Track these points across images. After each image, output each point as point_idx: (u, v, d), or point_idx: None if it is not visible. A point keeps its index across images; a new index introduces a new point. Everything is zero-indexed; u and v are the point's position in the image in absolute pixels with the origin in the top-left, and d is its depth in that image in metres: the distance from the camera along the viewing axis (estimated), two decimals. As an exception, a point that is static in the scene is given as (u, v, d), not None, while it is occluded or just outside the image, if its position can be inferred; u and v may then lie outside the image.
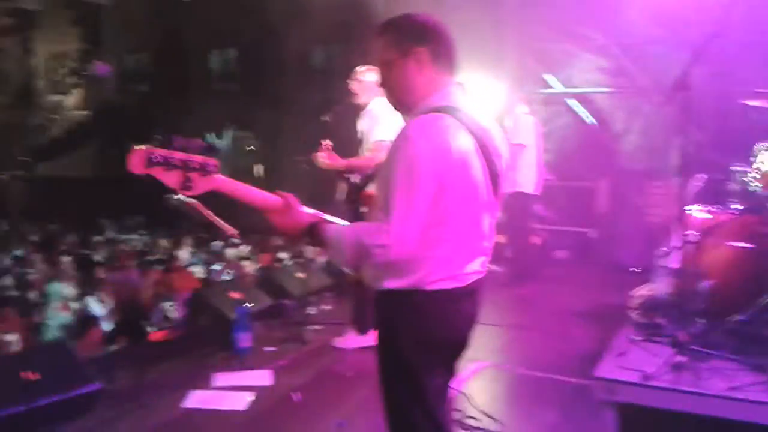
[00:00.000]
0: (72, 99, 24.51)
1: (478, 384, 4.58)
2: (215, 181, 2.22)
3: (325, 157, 5.00)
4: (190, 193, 2.17)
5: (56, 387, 3.92)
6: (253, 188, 2.33)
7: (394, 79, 2.33)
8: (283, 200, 2.33)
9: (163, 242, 10.81)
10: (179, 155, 2.13)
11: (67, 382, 4.04)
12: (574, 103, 9.28)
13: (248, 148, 20.88)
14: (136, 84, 24.44)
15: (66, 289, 7.59)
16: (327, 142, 5.05)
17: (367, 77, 5.05)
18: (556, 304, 6.58)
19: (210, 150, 2.55)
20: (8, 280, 8.36)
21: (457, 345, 2.40)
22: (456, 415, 3.90)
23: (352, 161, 5.03)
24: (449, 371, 2.44)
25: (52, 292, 7.42)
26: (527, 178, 7.17)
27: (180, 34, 21.31)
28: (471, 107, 2.31)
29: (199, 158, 2.16)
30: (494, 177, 2.30)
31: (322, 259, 7.21)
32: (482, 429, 3.87)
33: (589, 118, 9.28)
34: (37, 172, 20.82)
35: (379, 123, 4.90)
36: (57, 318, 7.23)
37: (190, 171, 2.15)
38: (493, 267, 7.84)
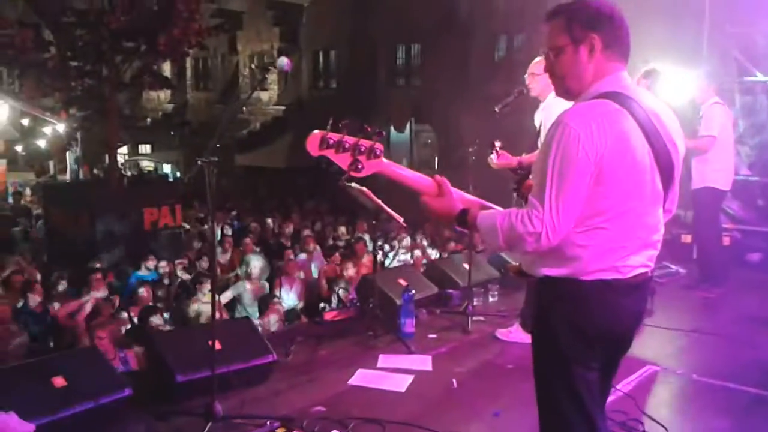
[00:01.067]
0: (268, 95, 26.39)
1: (646, 387, 4.38)
2: (381, 164, 2.35)
3: (494, 159, 4.98)
4: (358, 174, 2.34)
5: (237, 356, 4.31)
6: (412, 171, 2.43)
7: (564, 65, 2.28)
8: (435, 183, 2.39)
9: (341, 229, 11.38)
10: (350, 139, 2.31)
11: (247, 353, 4.43)
12: (777, 92, 8.43)
13: (427, 141, 21.29)
14: (328, 80, 25.83)
15: (257, 266, 8.25)
16: (497, 142, 5.01)
17: (540, 70, 4.93)
18: (742, 309, 6.06)
19: (379, 135, 2.70)
20: (204, 262, 9.23)
21: (617, 340, 2.32)
22: (620, 417, 3.76)
23: (524, 159, 4.95)
24: (608, 367, 2.37)
25: (253, 268, 8.09)
26: (718, 173, 6.62)
27: (369, 31, 22.17)
28: (643, 94, 2.24)
29: (368, 142, 2.32)
30: (665, 167, 2.21)
31: (488, 253, 7.21)
32: (646, 434, 3.71)
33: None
34: (235, 162, 22.73)
35: (555, 115, 4.76)
36: (246, 294, 7.91)
37: (360, 154, 2.32)
38: (677, 268, 7.39)
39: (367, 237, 9.97)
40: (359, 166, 2.31)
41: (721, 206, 7.09)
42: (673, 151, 2.23)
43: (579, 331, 2.21)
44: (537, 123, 5.08)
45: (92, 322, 6.45)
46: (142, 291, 7.60)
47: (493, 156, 4.98)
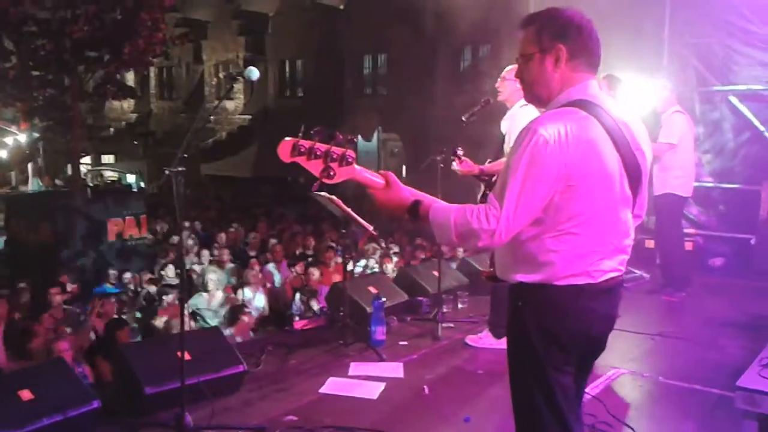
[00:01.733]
0: (234, 104, 26.25)
1: (614, 390, 4.45)
2: (353, 170, 2.34)
3: (457, 165, 5.02)
4: (330, 181, 2.33)
5: (207, 367, 4.26)
6: (372, 171, 2.42)
7: (531, 72, 2.34)
8: (382, 176, 2.39)
9: (309, 238, 11.35)
10: (322, 146, 2.31)
11: (217, 364, 4.39)
12: (736, 102, 8.65)
13: (394, 150, 21.35)
14: (294, 89, 25.79)
15: (223, 277, 8.18)
16: (459, 150, 5.05)
17: (511, 76, 4.99)
18: (706, 313, 6.20)
19: (351, 143, 2.69)
20: (170, 270, 9.13)
21: (590, 344, 2.36)
22: (589, 420, 3.82)
23: (486, 167, 5.00)
24: (582, 371, 2.40)
25: (209, 281, 8.03)
26: (679, 180, 6.77)
27: (335, 41, 22.23)
28: (610, 102, 2.28)
29: (339, 149, 2.32)
30: (633, 173, 2.26)
31: (458, 259, 7.26)
32: (615, 436, 3.77)
33: (752, 118, 8.62)
34: (200, 172, 22.53)
35: (517, 128, 4.78)
36: (213, 304, 7.83)
37: (332, 161, 2.31)
38: (640, 273, 7.53)
39: (333, 245, 9.98)
40: (331, 173, 2.31)
41: (682, 212, 7.25)
42: (640, 158, 2.28)
43: (553, 336, 2.24)
44: (503, 130, 5.14)
45: (53, 336, 6.33)
46: (103, 305, 7.47)
47: (455, 163, 5.03)
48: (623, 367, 4.75)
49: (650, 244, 7.96)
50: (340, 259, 8.94)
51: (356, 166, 2.36)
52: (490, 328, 5.30)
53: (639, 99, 6.62)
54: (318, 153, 2.29)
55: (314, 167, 2.31)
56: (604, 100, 2.28)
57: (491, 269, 2.61)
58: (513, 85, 4.90)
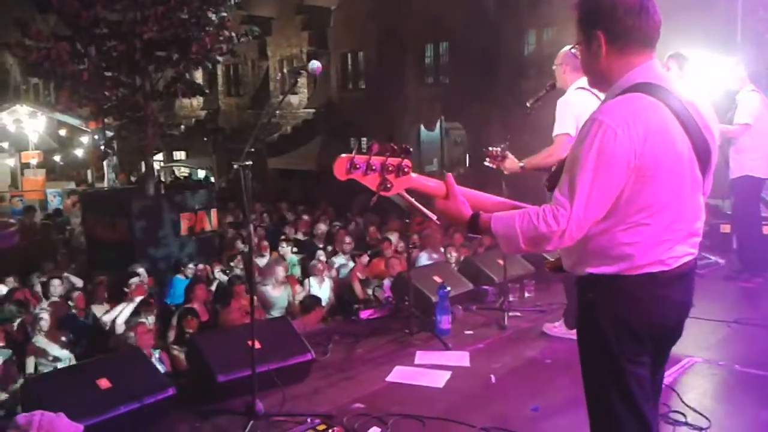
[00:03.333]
0: (298, 98, 26.58)
1: (688, 379, 4.34)
2: (410, 180, 2.33)
3: (491, 164, 4.83)
4: (387, 194, 2.32)
5: (276, 356, 4.36)
6: (433, 179, 2.39)
7: (583, 61, 2.30)
8: (443, 184, 2.34)
9: (371, 229, 11.41)
10: (377, 159, 2.29)
11: (286, 352, 4.49)
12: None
13: (457, 140, 21.23)
14: (357, 81, 25.93)
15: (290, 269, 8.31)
16: (493, 149, 4.81)
17: (567, 58, 4.86)
18: (785, 299, 5.96)
19: (407, 153, 2.69)
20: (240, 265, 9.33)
21: (666, 333, 2.29)
22: (662, 410, 3.73)
23: (528, 162, 4.76)
24: (658, 362, 2.33)
25: (277, 272, 8.17)
26: (756, 162, 6.49)
27: (396, 31, 22.20)
28: (675, 82, 2.20)
29: (396, 160, 2.30)
30: (703, 155, 2.19)
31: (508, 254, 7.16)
32: (689, 425, 3.67)
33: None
34: (267, 166, 22.92)
35: (562, 114, 4.62)
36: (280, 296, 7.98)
37: (388, 173, 2.30)
38: (716, 258, 7.27)
39: (394, 236, 10.00)
40: (388, 185, 2.29)
41: (760, 195, 6.96)
42: (710, 139, 2.20)
43: (628, 327, 2.18)
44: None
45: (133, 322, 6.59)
46: (197, 290, 7.72)
47: (487, 161, 4.81)
48: (698, 355, 4.61)
49: (726, 228, 7.70)
50: (399, 249, 9.01)
51: (413, 174, 2.34)
52: (564, 318, 5.20)
53: (711, 78, 6.38)
54: (374, 167, 2.29)
55: (371, 182, 2.30)
56: (669, 81, 2.20)
57: (554, 260, 2.56)
58: (562, 69, 4.81)
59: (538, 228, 2.08)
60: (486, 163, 4.84)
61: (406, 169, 2.31)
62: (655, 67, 2.22)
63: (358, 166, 2.28)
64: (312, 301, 7.64)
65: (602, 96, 4.78)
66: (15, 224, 15.66)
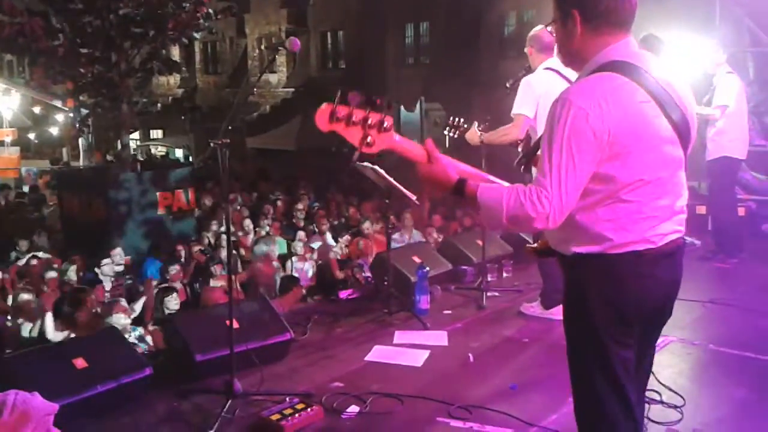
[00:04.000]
0: (277, 77, 26.35)
1: (663, 358, 4.37)
2: (392, 138, 2.26)
3: (453, 134, 4.97)
4: (370, 150, 2.24)
5: (255, 335, 4.35)
6: (412, 142, 2.33)
7: (558, 38, 2.29)
8: (424, 149, 2.28)
9: (351, 209, 11.39)
10: (359, 112, 2.22)
11: (264, 332, 4.48)
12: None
13: (437, 120, 21.15)
14: (337, 61, 25.75)
15: (275, 248, 8.29)
16: (453, 119, 5.01)
17: (532, 40, 4.92)
18: (758, 280, 6.03)
19: (389, 108, 2.61)
20: (220, 240, 9.27)
21: (654, 313, 2.27)
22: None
23: (486, 137, 4.96)
24: (645, 344, 2.33)
25: (258, 252, 8.14)
26: (734, 143, 6.55)
27: (376, 10, 22.04)
28: (651, 61, 2.19)
29: (377, 115, 2.23)
30: (683, 133, 2.18)
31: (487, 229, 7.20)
32: (664, 403, 3.72)
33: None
34: (245, 145, 22.77)
35: (522, 95, 4.73)
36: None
37: (370, 128, 2.22)
38: (692, 239, 7.35)
39: (374, 217, 10.02)
40: (369, 141, 2.22)
41: (737, 176, 7.04)
42: (688, 116, 2.20)
43: (614, 307, 2.17)
44: None
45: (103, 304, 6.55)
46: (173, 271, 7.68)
47: (446, 130, 4.97)
48: (673, 334, 4.66)
49: (701, 210, 7.77)
50: (378, 230, 9.01)
51: (395, 135, 2.27)
52: (541, 298, 5.25)
53: (688, 60, 6.41)
54: (355, 120, 2.21)
55: (353, 135, 2.22)
56: (645, 60, 2.18)
57: (538, 242, 2.56)
58: (529, 50, 4.94)
59: (524, 206, 2.05)
60: (445, 132, 4.95)
61: (386, 125, 2.23)
62: (630, 46, 2.21)
63: (339, 117, 2.20)
64: (290, 281, 7.62)
65: (571, 76, 4.84)
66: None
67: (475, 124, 5.12)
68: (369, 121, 2.22)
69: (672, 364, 4.31)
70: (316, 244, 9.44)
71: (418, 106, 21.94)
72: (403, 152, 2.31)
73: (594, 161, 2.06)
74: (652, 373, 3.89)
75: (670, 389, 3.83)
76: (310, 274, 8.49)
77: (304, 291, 7.60)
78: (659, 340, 4.42)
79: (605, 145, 2.04)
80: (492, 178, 2.39)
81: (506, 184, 2.25)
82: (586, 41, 2.20)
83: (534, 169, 2.27)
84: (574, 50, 2.25)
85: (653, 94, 2.11)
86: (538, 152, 2.17)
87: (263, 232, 10.00)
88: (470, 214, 10.21)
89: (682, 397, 3.75)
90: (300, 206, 11.68)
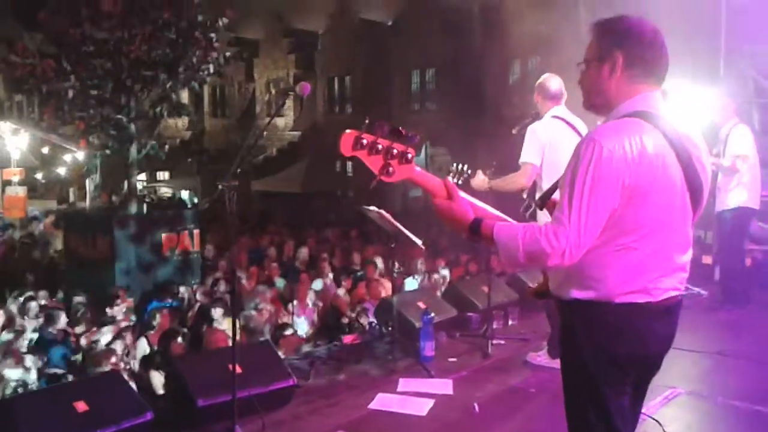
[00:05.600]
0: (284, 121, 26.64)
1: (671, 411, 4.31)
2: (412, 170, 2.27)
3: (456, 180, 4.98)
4: (389, 179, 2.25)
5: (258, 380, 4.29)
6: (431, 175, 2.35)
7: (589, 79, 2.30)
8: (443, 185, 2.29)
9: (355, 254, 11.38)
10: (384, 141, 2.23)
11: (267, 377, 4.43)
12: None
13: (441, 166, 21.28)
14: (343, 105, 26.05)
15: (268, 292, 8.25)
16: (456, 166, 5.04)
17: (539, 88, 4.97)
18: (766, 330, 5.97)
19: (413, 140, 2.64)
20: (222, 285, 9.25)
21: (647, 365, 2.28)
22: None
23: (494, 184, 4.96)
24: (638, 392, 2.33)
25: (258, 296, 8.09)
26: (750, 193, 6.55)
27: (383, 56, 22.38)
28: (672, 115, 2.21)
29: (401, 146, 2.24)
30: (695, 187, 2.19)
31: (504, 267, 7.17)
32: (672, 457, 3.65)
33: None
34: (251, 188, 22.89)
35: (528, 143, 4.78)
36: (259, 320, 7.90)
37: (392, 158, 2.23)
38: (698, 290, 7.29)
39: (378, 260, 9.98)
40: (390, 170, 2.23)
41: (749, 226, 7.01)
42: (701, 171, 2.21)
43: (610, 356, 2.17)
44: None
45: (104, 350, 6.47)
46: (159, 318, 7.61)
47: (450, 177, 4.96)
48: (681, 386, 4.59)
49: (707, 260, 7.73)
50: (380, 273, 8.96)
51: (416, 166, 2.28)
52: (548, 347, 5.18)
53: (693, 111, 6.45)
54: (379, 148, 2.22)
55: (374, 163, 2.23)
56: (668, 113, 2.21)
57: (538, 285, 2.55)
58: (536, 98, 4.98)
59: (540, 243, 2.06)
60: (449, 178, 4.95)
61: (409, 157, 2.24)
62: (657, 99, 2.23)
63: (364, 143, 2.22)
64: (280, 327, 7.52)
65: (577, 125, 4.87)
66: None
67: (479, 172, 5.13)
68: (393, 151, 2.23)
69: (679, 417, 4.25)
70: (317, 287, 9.40)
71: (423, 150, 22.10)
72: (421, 184, 2.32)
73: (613, 203, 2.07)
74: (661, 426, 3.89)
75: (680, 443, 3.77)
76: (306, 328, 8.41)
77: (297, 339, 7.50)
78: (668, 392, 4.44)
79: (625, 186, 2.06)
80: (505, 217, 2.40)
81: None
82: (619, 86, 2.23)
83: (541, 214, 2.27)
84: (605, 92, 2.26)
85: (674, 146, 2.14)
86: (553, 196, 2.19)
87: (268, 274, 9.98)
88: (476, 260, 10.20)
89: (691, 451, 3.69)
90: (303, 249, 11.68)
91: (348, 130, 2.23)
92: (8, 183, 23.71)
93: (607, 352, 2.17)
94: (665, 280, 2.17)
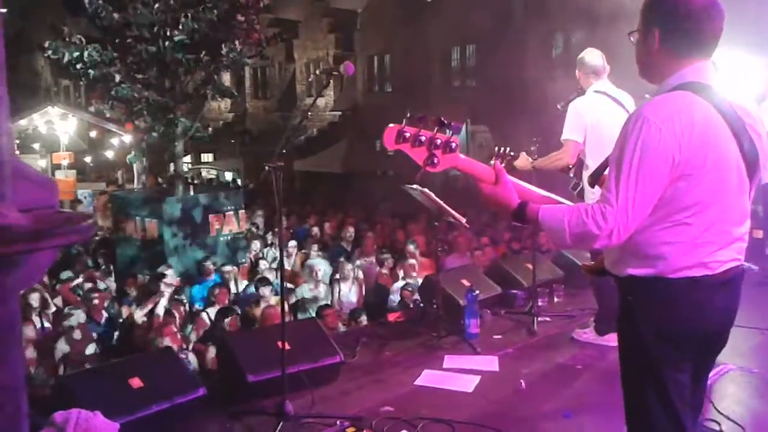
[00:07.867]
0: (324, 101, 26.69)
1: (722, 387, 4.27)
2: (457, 158, 2.29)
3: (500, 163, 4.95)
4: (434, 169, 2.28)
5: (306, 357, 4.38)
6: (478, 162, 2.37)
7: (637, 53, 2.29)
8: (493, 171, 2.31)
9: (399, 232, 11.41)
10: (427, 133, 2.26)
11: (315, 354, 4.51)
12: None
13: (483, 142, 21.12)
14: (383, 84, 25.96)
15: (320, 270, 8.37)
16: (499, 149, 5.00)
17: (580, 63, 4.89)
18: (822, 306, 5.82)
19: (456, 129, 2.63)
20: (264, 264, 9.39)
21: (709, 340, 2.24)
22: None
23: (538, 163, 4.95)
24: (700, 369, 2.30)
25: (317, 272, 8.21)
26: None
27: (423, 34, 22.18)
28: (723, 85, 2.18)
29: (444, 136, 2.26)
30: (751, 158, 2.15)
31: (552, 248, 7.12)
32: (723, 434, 3.62)
33: None
34: (293, 168, 23.06)
35: (571, 120, 4.71)
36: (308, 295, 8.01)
37: (436, 148, 2.26)
38: (749, 264, 7.13)
39: (421, 240, 10.02)
40: (435, 161, 2.25)
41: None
42: (758, 141, 2.17)
43: (669, 332, 2.15)
44: None
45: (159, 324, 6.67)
46: (218, 292, 7.80)
47: (493, 161, 4.92)
48: (732, 362, 4.54)
49: (759, 234, 7.55)
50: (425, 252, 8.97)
51: (461, 154, 2.30)
52: (594, 324, 5.15)
53: (742, 81, 6.26)
54: (422, 140, 2.24)
55: (418, 155, 2.26)
56: (718, 84, 2.17)
57: (593, 262, 2.54)
58: (577, 74, 4.93)
59: (587, 225, 2.05)
60: (492, 162, 4.92)
61: (453, 146, 2.26)
62: (708, 69, 2.19)
63: (407, 137, 2.24)
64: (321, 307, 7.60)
65: (622, 99, 4.78)
66: (92, 216, 15.86)
67: (523, 153, 5.09)
68: (436, 142, 2.25)
69: (731, 393, 4.21)
70: (360, 266, 9.47)
71: (464, 128, 21.92)
72: (468, 171, 2.33)
73: (664, 179, 2.04)
74: (711, 402, 3.85)
75: (729, 418, 3.74)
76: (355, 298, 8.50)
77: (344, 313, 7.59)
78: (718, 368, 4.39)
79: (676, 163, 2.03)
80: (556, 197, 2.39)
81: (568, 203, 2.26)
82: (663, 59, 2.21)
83: (589, 192, 2.25)
84: (650, 64, 2.26)
85: (727, 117, 2.10)
86: (605, 172, 2.17)
87: (312, 253, 10.09)
88: (518, 238, 10.14)
89: (741, 426, 3.66)
90: (349, 228, 11.75)
91: (390, 125, 2.25)
92: (58, 167, 24.32)
93: (666, 328, 2.15)
94: (723, 252, 2.14)
